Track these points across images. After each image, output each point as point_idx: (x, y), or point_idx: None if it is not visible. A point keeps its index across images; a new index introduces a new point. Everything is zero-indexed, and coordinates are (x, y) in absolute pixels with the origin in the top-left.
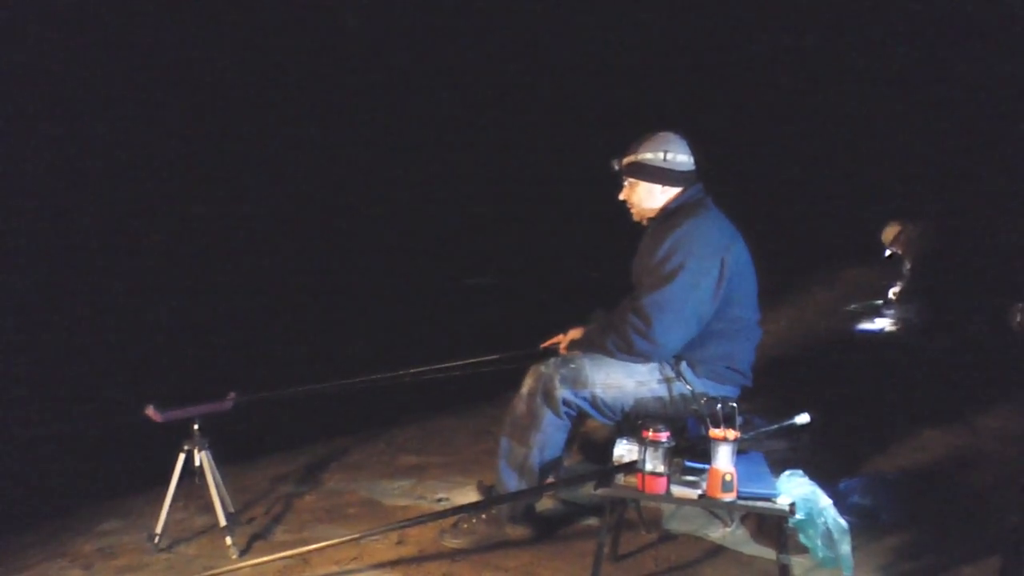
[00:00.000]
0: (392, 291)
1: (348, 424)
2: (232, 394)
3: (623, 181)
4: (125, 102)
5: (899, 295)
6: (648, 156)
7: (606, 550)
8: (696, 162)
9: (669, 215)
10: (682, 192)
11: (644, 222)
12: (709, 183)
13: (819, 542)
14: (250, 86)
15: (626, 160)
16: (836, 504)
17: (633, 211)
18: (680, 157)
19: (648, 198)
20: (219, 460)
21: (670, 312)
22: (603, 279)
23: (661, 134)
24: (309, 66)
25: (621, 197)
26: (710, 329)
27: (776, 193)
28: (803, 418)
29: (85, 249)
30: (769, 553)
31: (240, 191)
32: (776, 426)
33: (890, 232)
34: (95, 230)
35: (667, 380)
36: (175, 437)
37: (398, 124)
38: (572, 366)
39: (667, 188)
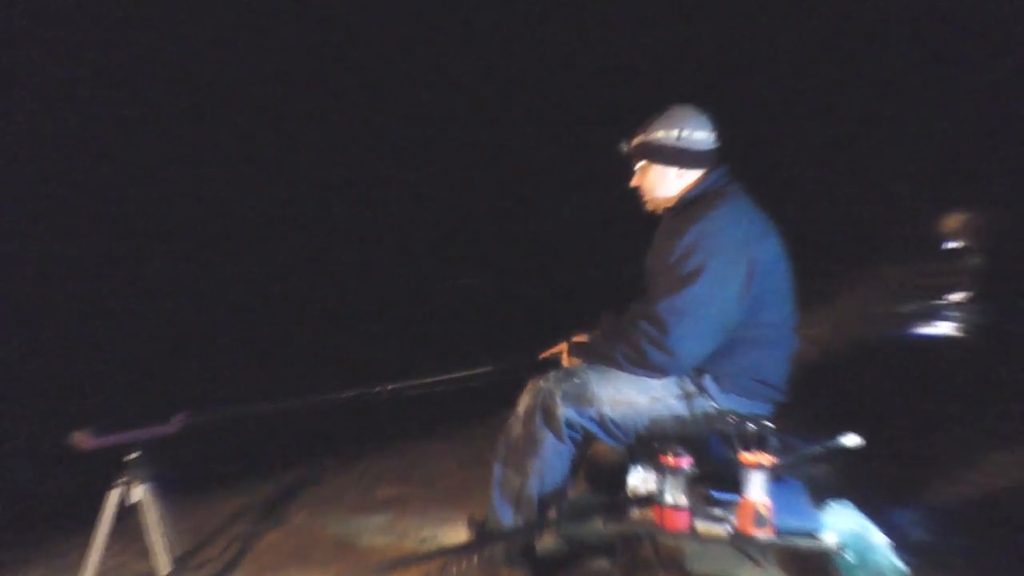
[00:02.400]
0: (370, 294)
1: (317, 449)
2: (180, 414)
3: (633, 165)
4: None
5: (965, 295)
6: (660, 135)
7: None
8: (720, 141)
9: (687, 205)
10: (703, 177)
11: (659, 212)
12: (736, 166)
13: None
14: (229, 82)
15: (635, 140)
16: (891, 541)
17: (646, 200)
18: (698, 134)
19: (662, 184)
20: (164, 494)
21: (690, 318)
22: (610, 278)
23: (675, 109)
24: (289, 63)
25: (632, 184)
26: (737, 337)
27: (811, 178)
28: (851, 439)
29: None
30: None
31: (211, 187)
32: (818, 448)
33: (953, 221)
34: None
35: (687, 396)
36: (112, 468)
37: (376, 118)
38: (576, 380)
39: (684, 172)
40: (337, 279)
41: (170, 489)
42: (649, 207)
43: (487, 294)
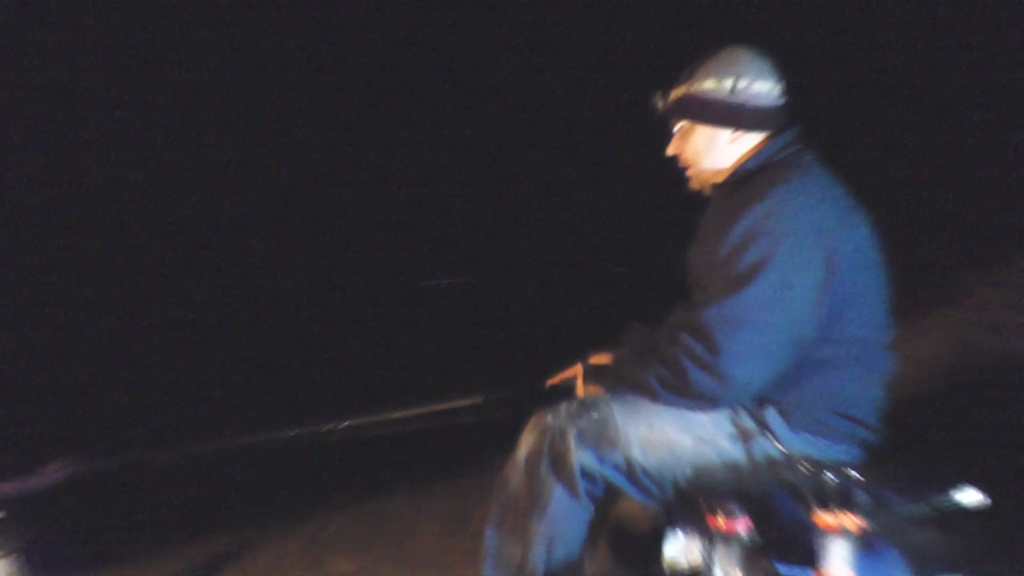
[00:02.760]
0: (323, 298)
1: (252, 507)
2: (57, 462)
3: (671, 127)
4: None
5: None
6: (708, 86)
7: None
8: (787, 95)
9: (744, 179)
10: (764, 142)
11: (706, 191)
12: (811, 128)
13: None
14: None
15: (675, 93)
16: None
17: (688, 174)
18: (758, 86)
19: (710, 152)
20: (36, 570)
21: (747, 330)
22: (639, 276)
23: (727, 52)
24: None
25: (669, 152)
26: (812, 357)
27: (914, 150)
28: (968, 495)
29: None
30: None
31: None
32: (923, 507)
33: None
34: None
35: (743, 435)
36: None
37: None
38: (595, 415)
39: (740, 135)
40: (287, 282)
41: (44, 564)
42: (692, 183)
43: (476, 297)
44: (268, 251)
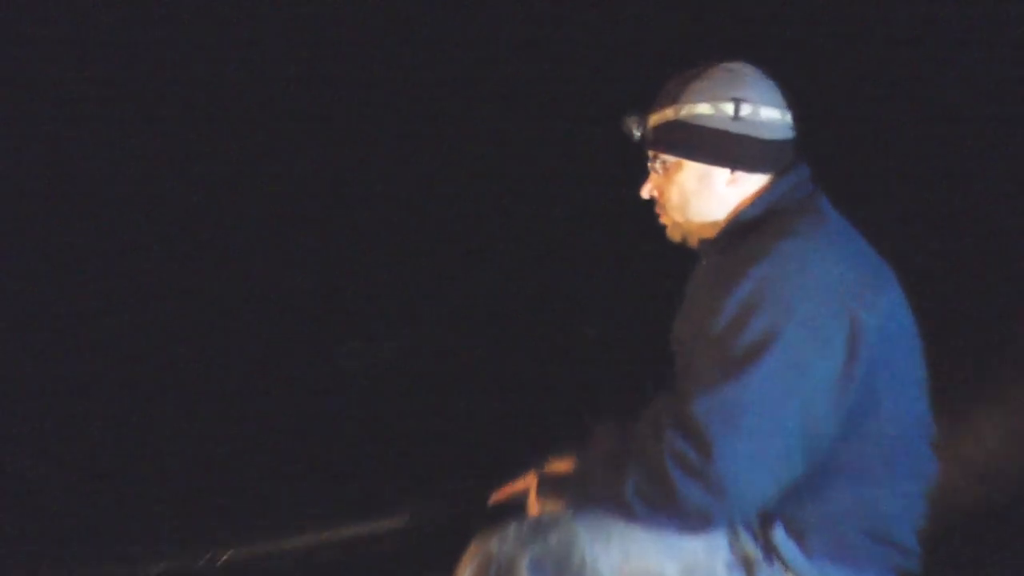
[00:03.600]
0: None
1: None
2: None
3: (649, 160)
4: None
5: None
6: (703, 110)
7: None
8: (797, 123)
9: (744, 231)
10: (770, 184)
11: (692, 244)
12: (820, 166)
13: None
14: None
15: (656, 119)
16: None
17: (668, 223)
18: (766, 112)
19: (702, 196)
20: None
21: (750, 428)
22: (610, 344)
23: (725, 69)
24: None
25: (646, 194)
26: (833, 460)
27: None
28: None
29: None
30: None
31: None
32: None
33: None
34: None
35: (745, 563)
36: None
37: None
38: (553, 540)
39: (740, 176)
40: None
41: None
42: (672, 234)
43: (401, 369)
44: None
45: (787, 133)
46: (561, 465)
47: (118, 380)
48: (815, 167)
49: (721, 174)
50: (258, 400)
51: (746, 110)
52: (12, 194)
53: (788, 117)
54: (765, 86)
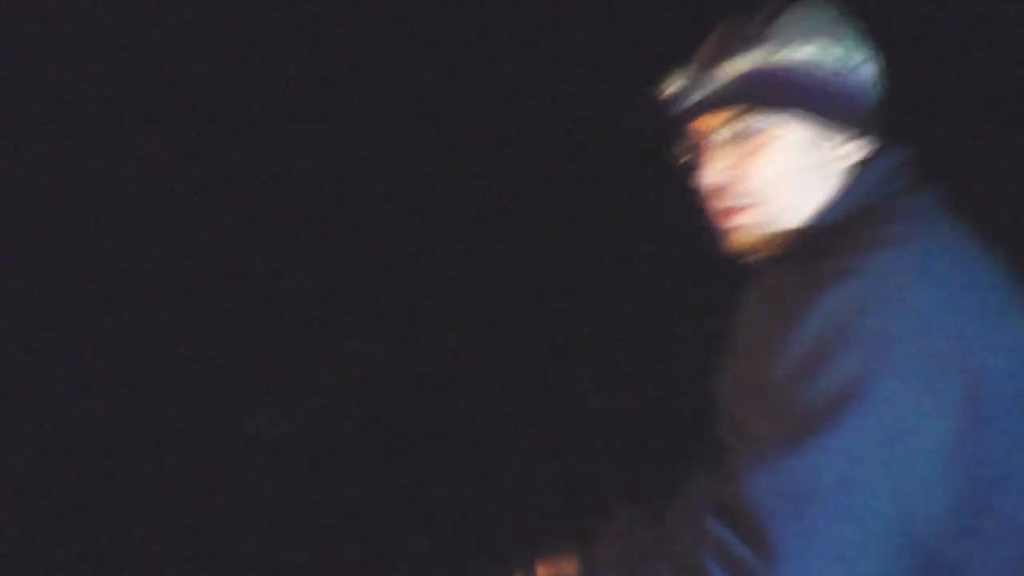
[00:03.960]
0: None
1: None
2: None
3: (706, 135)
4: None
5: None
6: (809, 54)
7: None
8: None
9: (823, 238)
10: (862, 168)
11: (768, 253)
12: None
13: None
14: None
15: (734, 66)
16: None
17: (747, 222)
18: (872, 67)
19: (802, 177)
20: None
21: (823, 516)
22: (626, 415)
23: (814, 5)
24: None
25: (710, 179)
26: (942, 557)
27: None
28: None
29: None
30: None
31: None
32: None
33: None
34: None
35: None
36: None
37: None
38: None
39: (852, 147)
40: None
41: None
42: (744, 241)
43: (342, 450)
44: None
45: (880, 96)
46: (561, 567)
47: (118, 380)
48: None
49: (831, 144)
50: (258, 400)
51: (856, 57)
52: (12, 194)
53: (879, 74)
54: (856, 31)
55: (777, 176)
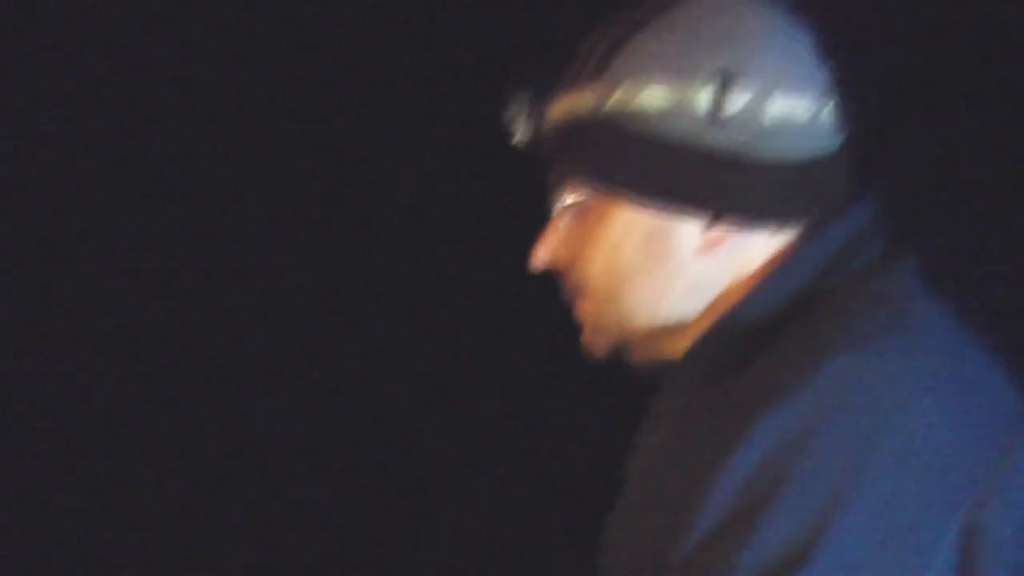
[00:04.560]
0: None
1: None
2: None
3: (551, 191)
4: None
5: None
6: (654, 98)
7: None
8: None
9: (749, 341)
10: (800, 246)
11: (637, 364)
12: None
13: None
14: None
15: (562, 108)
16: None
17: (588, 320)
18: (785, 103)
19: (651, 274)
20: None
21: None
22: None
23: (705, 4)
24: None
25: (542, 260)
26: None
27: None
28: None
29: None
30: None
31: None
32: None
33: None
34: None
35: None
36: None
37: None
38: None
39: (729, 233)
40: None
41: None
42: (596, 343)
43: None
44: None
45: (827, 143)
46: None
47: (118, 380)
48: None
49: (688, 233)
50: (258, 400)
51: (739, 101)
52: (12, 194)
53: (829, 110)
54: (782, 48)
55: (608, 271)
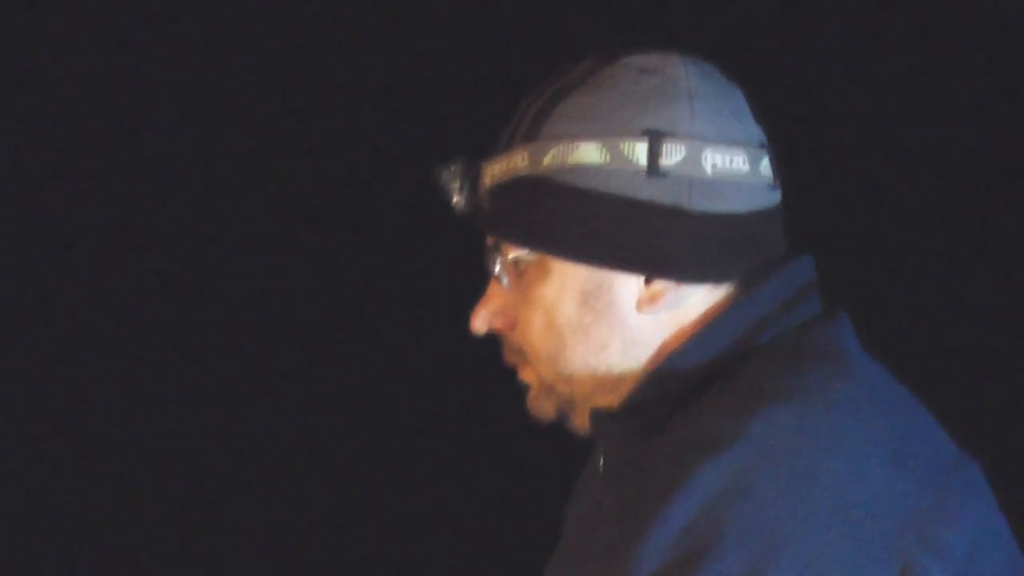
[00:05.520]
0: None
1: None
2: None
3: (488, 253)
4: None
5: None
6: (587, 154)
7: None
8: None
9: (683, 395)
10: (735, 300)
11: (577, 423)
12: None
13: None
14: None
15: (496, 169)
16: None
17: (531, 381)
18: (718, 157)
19: (588, 334)
20: None
21: None
22: None
23: (637, 66)
24: None
25: (481, 325)
26: None
27: None
28: None
29: None
30: None
31: None
32: None
33: None
34: None
35: None
36: None
37: None
38: None
39: (666, 289)
40: None
41: None
42: (541, 405)
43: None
44: None
45: (764, 197)
46: None
47: (117, 380)
48: (827, 258)
49: (627, 288)
50: (258, 401)
51: (675, 155)
52: (12, 194)
53: (765, 164)
54: (717, 102)
55: (546, 333)
